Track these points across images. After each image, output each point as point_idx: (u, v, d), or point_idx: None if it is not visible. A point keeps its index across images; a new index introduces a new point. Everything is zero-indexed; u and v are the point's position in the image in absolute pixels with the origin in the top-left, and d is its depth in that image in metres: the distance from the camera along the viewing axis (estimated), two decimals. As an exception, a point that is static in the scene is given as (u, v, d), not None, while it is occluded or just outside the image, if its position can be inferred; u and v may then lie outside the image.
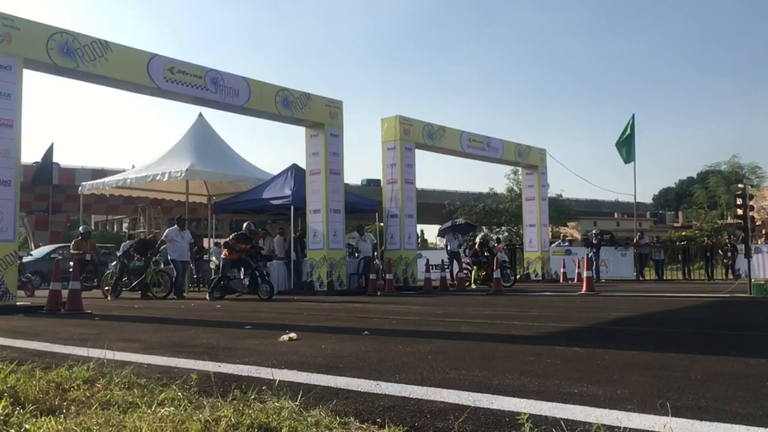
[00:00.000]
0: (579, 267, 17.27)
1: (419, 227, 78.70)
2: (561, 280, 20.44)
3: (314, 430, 2.62)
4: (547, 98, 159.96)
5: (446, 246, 19.36)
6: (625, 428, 2.43)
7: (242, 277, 13.55)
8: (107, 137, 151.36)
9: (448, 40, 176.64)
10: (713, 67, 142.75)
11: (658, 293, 13.15)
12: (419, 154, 18.97)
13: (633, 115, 23.57)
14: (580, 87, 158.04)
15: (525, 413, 2.60)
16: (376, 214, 18.36)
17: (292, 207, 16.09)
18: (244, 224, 13.43)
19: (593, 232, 23.43)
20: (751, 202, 11.89)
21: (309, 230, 15.72)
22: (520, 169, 25.97)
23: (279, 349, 5.25)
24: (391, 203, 17.14)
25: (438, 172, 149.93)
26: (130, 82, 12.56)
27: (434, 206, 48.44)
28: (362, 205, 18.63)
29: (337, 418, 2.87)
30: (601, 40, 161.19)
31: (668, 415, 2.62)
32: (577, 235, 37.60)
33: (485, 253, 16.97)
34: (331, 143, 15.62)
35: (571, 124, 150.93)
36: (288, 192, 16.18)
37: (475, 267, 17.13)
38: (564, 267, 20.82)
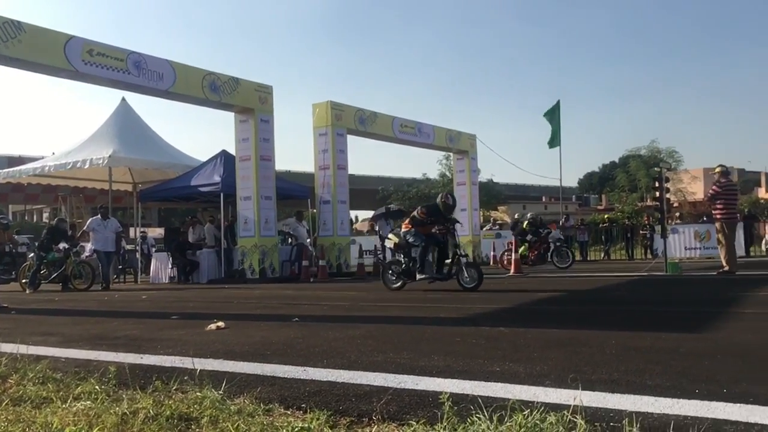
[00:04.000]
0: (510, 250, 17.68)
1: (353, 213, 78.76)
2: (491, 262, 20.90)
3: (236, 418, 2.59)
4: (477, 84, 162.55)
5: (379, 231, 19.46)
6: (538, 402, 2.52)
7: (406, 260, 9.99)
8: (24, 123, 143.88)
9: (378, 26, 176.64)
10: (635, 54, 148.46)
11: (582, 273, 13.64)
12: (352, 139, 18.95)
13: (558, 101, 24.27)
14: (508, 73, 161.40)
15: (446, 392, 2.65)
16: (309, 200, 18.24)
17: (221, 194, 15.78)
18: (439, 196, 10.21)
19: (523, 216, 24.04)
20: (667, 185, 12.46)
21: (239, 217, 15.47)
22: (451, 154, 26.30)
23: (205, 338, 5.16)
24: (323, 189, 17.06)
25: (372, 158, 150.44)
26: (46, 65, 11.96)
27: (368, 192, 48.60)
28: (294, 192, 18.46)
29: (261, 405, 2.85)
30: (528, 26, 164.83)
31: (579, 389, 2.72)
32: (507, 219, 38.48)
33: (538, 231, 16.04)
34: (261, 129, 15.37)
35: (500, 110, 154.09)
36: (217, 179, 15.84)
37: (524, 245, 15.99)
38: (494, 250, 21.28)
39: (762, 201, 45.53)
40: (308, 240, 17.19)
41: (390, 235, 10.61)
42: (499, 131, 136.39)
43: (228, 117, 15.78)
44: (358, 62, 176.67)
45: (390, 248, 10.53)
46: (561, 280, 11.75)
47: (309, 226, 17.99)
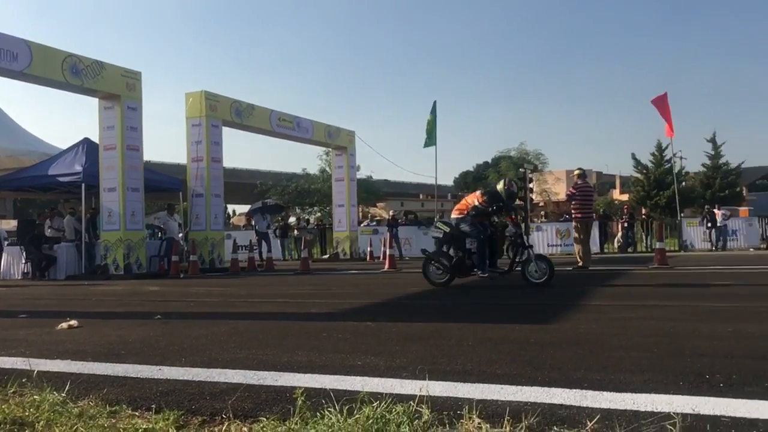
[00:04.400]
0: (385, 245, 17.99)
1: (230, 207, 76.69)
2: (368, 258, 21.15)
3: (75, 421, 2.44)
4: (356, 81, 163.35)
5: (255, 226, 19.14)
6: (388, 394, 2.58)
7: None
8: None
9: (257, 19, 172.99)
10: (508, 60, 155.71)
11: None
12: (228, 132, 18.47)
13: (435, 102, 24.92)
14: (387, 72, 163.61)
15: (301, 387, 2.64)
16: (181, 193, 17.55)
17: (83, 185, 14.79)
18: (500, 182, 9.18)
19: (400, 212, 24.53)
20: (531, 185, 13.18)
21: (103, 210, 14.59)
22: (331, 149, 26.33)
23: (55, 338, 4.83)
24: (196, 182, 16.48)
25: (251, 151, 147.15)
26: None
27: (245, 186, 47.59)
28: (165, 184, 17.69)
29: (107, 407, 2.71)
30: (407, 26, 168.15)
31: (426, 380, 2.82)
32: (386, 215, 39.21)
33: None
34: (128, 117, 14.58)
35: (379, 108, 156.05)
36: (78, 168, 14.84)
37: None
38: (371, 246, 21.56)
39: (616, 202, 49.44)
40: (180, 234, 16.55)
41: (439, 224, 9.41)
42: (378, 129, 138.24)
43: (93, 103, 14.85)
44: (239, 52, 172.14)
45: (437, 238, 9.15)
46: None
47: (181, 220, 17.33)
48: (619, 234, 23.47)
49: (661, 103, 22.40)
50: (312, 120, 21.00)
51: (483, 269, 8.65)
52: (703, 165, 44.93)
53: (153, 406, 2.76)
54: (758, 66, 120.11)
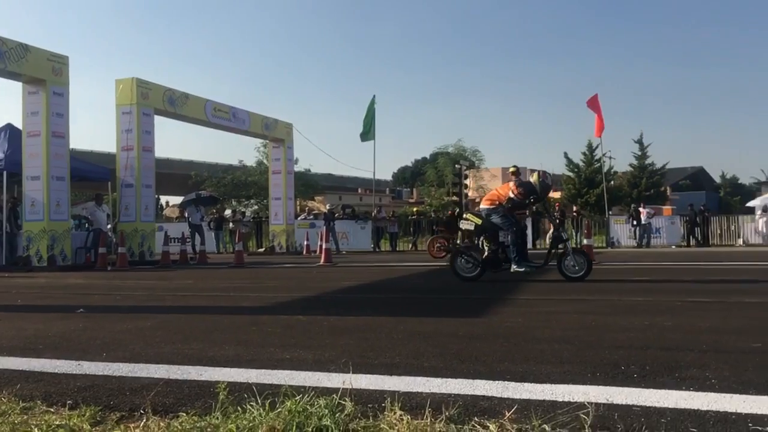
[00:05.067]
0: (321, 239, 17.92)
1: (163, 198, 74.67)
2: (304, 252, 21.03)
3: (-19, 419, 2.33)
4: (295, 74, 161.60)
5: (188, 218, 18.72)
6: (311, 387, 2.57)
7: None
8: None
9: (190, 7, 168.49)
10: (447, 58, 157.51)
11: (389, 263, 14.24)
12: (163, 121, 17.98)
13: (374, 96, 25.00)
14: (325, 66, 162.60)
15: (224, 382, 2.60)
16: (110, 183, 16.96)
17: (4, 172, 14.10)
18: (534, 175, 8.77)
19: (338, 207, 24.44)
20: (467, 181, 13.39)
21: (25, 199, 13.95)
22: (268, 142, 26.00)
23: (-34, 332, 4.59)
24: (126, 172, 15.97)
25: (186, 142, 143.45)
26: None
27: (179, 177, 46.45)
28: (93, 173, 17.08)
29: (20, 402, 2.60)
30: (347, 21, 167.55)
31: (350, 373, 2.83)
32: (324, 209, 39.06)
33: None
34: (54, 103, 13.97)
35: (318, 101, 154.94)
36: (0, 155, 14.14)
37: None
38: (308, 239, 21.44)
39: (549, 199, 50.86)
40: (108, 226, 16.00)
41: (469, 216, 8.95)
42: (318, 123, 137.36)
43: (17, 87, 14.15)
44: (172, 40, 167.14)
45: (468, 230, 8.83)
46: (368, 270, 12.15)
47: (110, 211, 16.75)
48: (551, 231, 24.11)
49: (594, 105, 23.17)
50: (249, 111, 20.68)
51: (519, 263, 8.37)
52: (631, 165, 46.62)
53: (69, 402, 2.66)
54: (683, 71, 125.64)
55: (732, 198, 54.02)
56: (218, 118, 19.21)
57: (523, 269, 8.35)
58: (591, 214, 32.55)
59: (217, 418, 2.28)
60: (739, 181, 62.57)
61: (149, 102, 16.43)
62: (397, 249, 23.87)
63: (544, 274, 9.74)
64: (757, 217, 24.16)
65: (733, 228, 24.61)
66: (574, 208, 29.75)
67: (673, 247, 22.27)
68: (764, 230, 22.85)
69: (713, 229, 24.53)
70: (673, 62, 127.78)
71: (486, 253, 8.50)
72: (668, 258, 13.53)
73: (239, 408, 2.33)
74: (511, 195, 8.39)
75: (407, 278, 10.00)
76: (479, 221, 8.58)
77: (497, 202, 8.51)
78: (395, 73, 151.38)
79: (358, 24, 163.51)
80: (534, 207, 8.81)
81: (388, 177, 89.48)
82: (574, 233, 23.89)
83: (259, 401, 2.35)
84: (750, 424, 2.19)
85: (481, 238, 8.65)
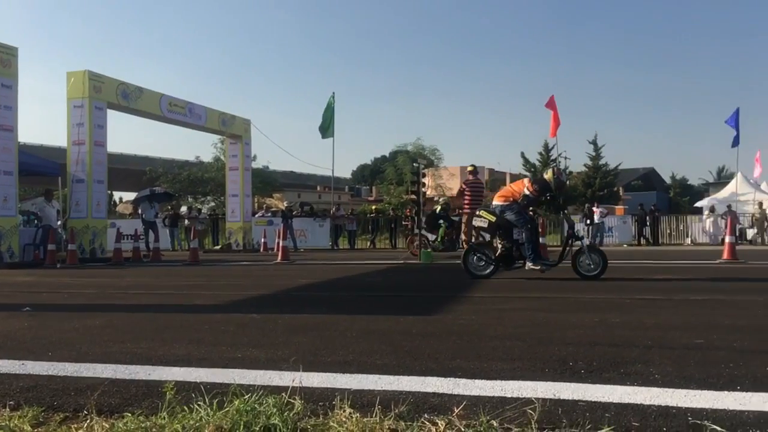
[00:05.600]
0: (278, 237, 17.79)
1: (116, 194, 73.02)
2: (262, 249, 20.84)
3: None
4: (253, 70, 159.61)
5: (141, 215, 18.34)
6: (261, 386, 2.56)
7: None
8: None
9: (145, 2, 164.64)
10: (405, 54, 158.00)
11: (347, 261, 14.21)
12: (116, 115, 17.57)
13: (333, 94, 24.90)
14: (287, 62, 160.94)
15: (172, 381, 2.57)
16: (60, 178, 16.49)
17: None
18: (548, 171, 8.62)
19: (297, 204, 24.30)
20: (425, 180, 13.43)
21: (-30, 194, 13.45)
22: (225, 138, 25.64)
23: None
24: (77, 167, 15.54)
25: (141, 137, 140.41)
26: None
27: (133, 173, 45.52)
28: (42, 168, 16.56)
29: (-44, 406, 2.51)
30: (306, 17, 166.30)
31: (300, 371, 2.82)
32: (282, 206, 38.76)
33: (450, 218, 15.77)
34: (2, 95, 13.49)
35: (277, 98, 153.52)
36: (-58, 148, 13.60)
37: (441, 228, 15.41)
38: (265, 237, 21.25)
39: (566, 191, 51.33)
40: (58, 222, 15.56)
41: (482, 213, 8.68)
42: (276, 119, 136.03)
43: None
44: (126, 33, 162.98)
45: (481, 227, 8.56)
46: (325, 268, 12.11)
47: (60, 207, 16.30)
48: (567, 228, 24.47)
49: (551, 105, 23.59)
50: (206, 107, 20.36)
51: (534, 261, 8.21)
52: (585, 165, 47.64)
53: (11, 402, 2.59)
54: (636, 73, 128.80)
55: (681, 198, 55.64)
56: (174, 114, 18.86)
57: (538, 267, 8.21)
58: (546, 213, 33.12)
59: (164, 418, 2.24)
60: (689, 182, 64.56)
61: (102, 96, 16.03)
62: (356, 247, 23.87)
63: (496, 272, 9.86)
64: (704, 217, 24.96)
65: (681, 228, 25.38)
66: (530, 207, 30.24)
67: (625, 246, 22.83)
68: (711, 230, 23.61)
69: (663, 228, 25.24)
70: (627, 65, 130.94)
71: (499, 251, 8.38)
72: (619, 256, 13.84)
73: (186, 408, 2.30)
74: (527, 192, 8.27)
75: (364, 276, 10.00)
76: (493, 218, 8.41)
77: (511, 199, 8.37)
78: (355, 70, 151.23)
79: (317, 20, 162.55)
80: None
81: (348, 175, 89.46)
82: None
83: (207, 400, 2.32)
84: (689, 418, 2.26)
85: (479, 239, 8.57)
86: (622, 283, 7.59)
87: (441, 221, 15.54)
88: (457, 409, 2.26)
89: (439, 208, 15.78)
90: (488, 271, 8.45)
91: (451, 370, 3.07)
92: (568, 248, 8.43)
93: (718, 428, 2.11)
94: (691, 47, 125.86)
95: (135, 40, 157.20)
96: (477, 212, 8.81)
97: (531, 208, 8.62)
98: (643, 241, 24.01)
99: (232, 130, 21.83)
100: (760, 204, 24.56)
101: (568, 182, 8.42)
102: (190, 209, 26.62)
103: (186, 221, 23.17)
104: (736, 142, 26.74)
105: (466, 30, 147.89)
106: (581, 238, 8.42)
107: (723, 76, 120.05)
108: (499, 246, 8.38)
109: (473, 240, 13.17)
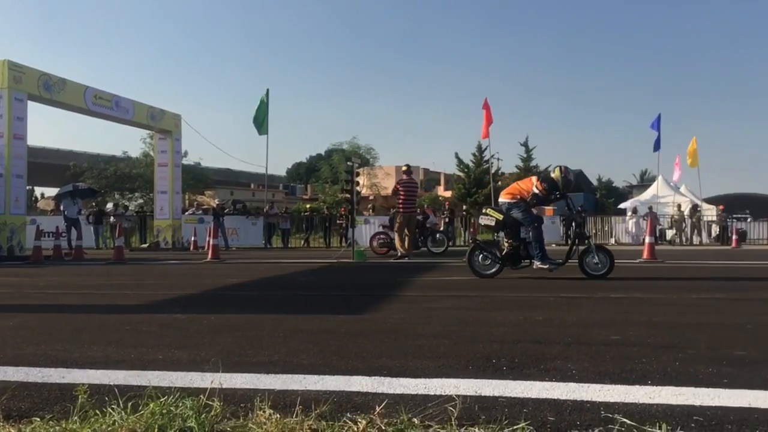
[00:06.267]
0: (209, 235, 17.41)
1: (37, 190, 69.83)
2: (192, 248, 20.36)
3: None
4: (184, 64, 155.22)
5: (63, 211, 17.59)
6: (178, 388, 2.49)
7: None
8: None
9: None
10: (342, 52, 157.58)
11: (279, 260, 14.06)
12: (37, 107, 16.78)
13: (267, 90, 24.55)
14: (220, 57, 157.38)
15: (86, 384, 2.47)
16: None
17: None
18: (556, 170, 8.42)
19: (229, 202, 23.86)
20: (360, 179, 13.46)
21: None
22: (154, 133, 24.91)
23: None
24: (-7, 160, 14.76)
25: (65, 130, 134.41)
26: None
27: (56, 167, 43.66)
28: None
29: None
30: (241, 12, 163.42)
31: (221, 372, 2.78)
32: (214, 204, 38.04)
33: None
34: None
35: (209, 94, 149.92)
36: None
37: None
38: (195, 235, 20.76)
39: (440, 198, 52.18)
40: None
41: (489, 211, 8.48)
42: (209, 115, 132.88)
43: None
44: (46, 22, 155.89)
45: (487, 226, 8.44)
46: (257, 267, 11.94)
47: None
48: (440, 230, 24.80)
49: (485, 107, 24.03)
50: (133, 100, 19.71)
51: (543, 260, 8.12)
52: (517, 166, 48.81)
53: None
54: (567, 76, 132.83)
55: (607, 200, 57.69)
56: (99, 107, 18.17)
57: (547, 266, 8.12)
58: (479, 213, 33.76)
59: (75, 423, 2.15)
60: (614, 185, 66.96)
61: (22, 86, 15.27)
62: (290, 246, 23.64)
63: (429, 271, 9.99)
64: (627, 218, 26.02)
65: (606, 228, 26.36)
66: (464, 207, 30.78)
67: (554, 245, 23.50)
68: (633, 230, 24.61)
69: (589, 228, 26.14)
70: (558, 68, 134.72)
71: (506, 250, 8.27)
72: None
73: (99, 411, 2.22)
74: (536, 190, 8.19)
75: (296, 275, 9.92)
76: (500, 216, 8.28)
77: (518, 197, 8.28)
78: (290, 68, 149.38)
79: (251, 16, 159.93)
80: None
81: (283, 173, 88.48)
82: (462, 231, 24.69)
83: (122, 404, 2.25)
84: (602, 412, 2.34)
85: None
86: (546, 282, 7.81)
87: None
88: (378, 407, 2.27)
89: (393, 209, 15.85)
90: (494, 270, 8.35)
91: (377, 368, 3.08)
92: (575, 247, 8.39)
93: (628, 421, 2.20)
94: (618, 52, 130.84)
95: (55, 31, 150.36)
96: (484, 210, 8.71)
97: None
98: (569, 240, 24.79)
99: (162, 125, 21.23)
100: (679, 206, 25.82)
101: (573, 181, 8.44)
102: (117, 206, 25.67)
103: (112, 218, 22.36)
104: (657, 147, 28.00)
105: (402, 31, 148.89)
106: (588, 237, 8.42)
107: (646, 81, 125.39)
108: (506, 245, 8.29)
109: (406, 243, 13.34)
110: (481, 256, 8.42)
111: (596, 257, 8.11)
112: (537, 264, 8.14)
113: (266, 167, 23.67)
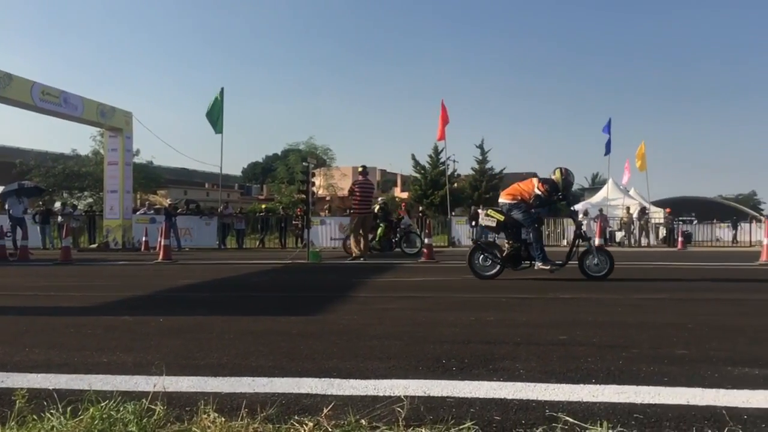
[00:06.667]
0: (160, 236, 17.07)
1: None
2: (143, 248, 19.90)
3: None
4: (136, 61, 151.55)
5: (8, 210, 16.99)
6: (123, 392, 2.44)
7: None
8: None
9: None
10: (299, 52, 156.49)
11: (233, 260, 13.87)
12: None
13: (222, 89, 24.25)
14: (173, 54, 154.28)
15: (25, 388, 2.39)
16: None
17: None
18: (557, 172, 8.45)
19: (182, 201, 23.43)
20: (315, 179, 13.35)
21: None
22: (105, 130, 24.28)
23: None
24: (-68, 157, 14.16)
25: (11, 127, 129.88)
26: None
27: (2, 165, 42.16)
28: None
29: None
30: (196, 10, 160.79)
31: (163, 375, 2.73)
32: (166, 204, 37.32)
33: (388, 218, 15.69)
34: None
35: (163, 92, 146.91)
36: None
37: (380, 228, 15.38)
38: (147, 236, 20.31)
39: (397, 199, 52.39)
40: None
41: (491, 212, 8.47)
42: (162, 113, 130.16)
43: None
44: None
45: (489, 226, 8.41)
46: (209, 267, 11.76)
47: None
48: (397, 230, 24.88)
49: (442, 109, 24.21)
50: (82, 96, 19.18)
51: (544, 260, 8.16)
52: (473, 169, 49.37)
53: None
54: (522, 81, 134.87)
55: (560, 202, 58.96)
56: (47, 103, 17.61)
57: (548, 267, 8.16)
58: (435, 215, 33.96)
59: (12, 428, 2.08)
60: (567, 187, 68.37)
61: (-37, 80, 14.71)
62: (244, 246, 23.35)
63: (384, 272, 10.01)
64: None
65: (559, 230, 26.84)
66: (420, 209, 30.95)
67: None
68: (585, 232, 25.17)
69: (543, 230, 26.62)
70: (515, 71, 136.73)
71: (507, 251, 8.30)
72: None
73: (38, 416, 2.15)
74: (538, 192, 8.21)
75: (250, 276, 9.80)
76: (502, 217, 8.31)
77: (519, 197, 8.32)
78: (246, 67, 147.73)
79: (206, 14, 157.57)
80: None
81: (238, 172, 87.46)
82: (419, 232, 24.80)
83: (61, 408, 2.18)
84: (547, 410, 2.39)
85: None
86: (500, 282, 7.91)
87: (379, 221, 15.71)
88: (326, 409, 2.26)
89: (377, 208, 15.96)
90: (494, 271, 8.36)
91: (327, 370, 3.07)
92: (575, 248, 8.43)
93: (571, 420, 2.24)
94: (572, 57, 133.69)
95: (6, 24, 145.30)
96: (486, 211, 8.71)
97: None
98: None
99: (112, 122, 20.69)
100: (628, 208, 26.49)
101: (573, 182, 8.57)
102: (65, 205, 24.92)
103: (59, 218, 21.69)
104: (608, 151, 28.69)
105: (359, 32, 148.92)
106: (589, 239, 8.47)
107: (598, 86, 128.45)
108: (506, 246, 8.34)
109: (362, 244, 13.33)
110: (481, 257, 8.44)
111: (596, 258, 8.20)
112: (538, 265, 8.20)
113: (221, 167, 23.43)
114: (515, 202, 8.31)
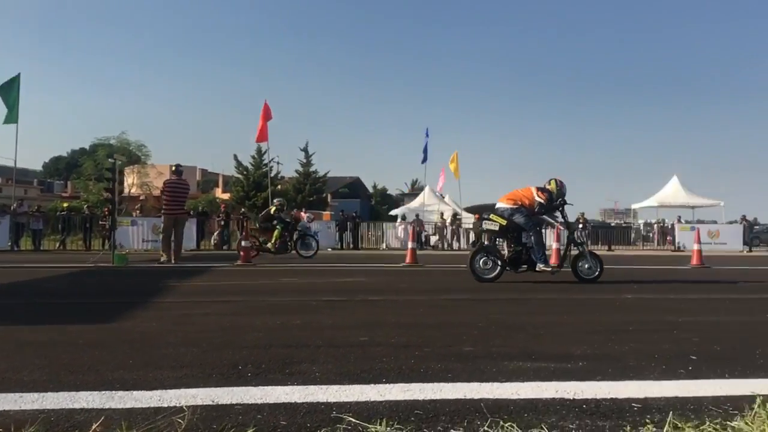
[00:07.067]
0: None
1: None
2: None
3: None
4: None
5: None
6: None
7: None
8: None
9: None
10: (111, 44, 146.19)
11: (26, 264, 12.55)
12: None
13: (18, 74, 21.90)
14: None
15: None
16: None
17: None
18: (552, 181, 8.85)
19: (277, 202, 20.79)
20: (128, 177, 12.50)
21: None
22: None
23: None
24: None
25: None
26: None
27: None
28: None
29: None
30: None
31: None
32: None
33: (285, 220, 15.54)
34: None
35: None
36: None
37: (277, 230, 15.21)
38: None
39: (218, 199, 50.77)
40: None
41: (493, 216, 8.59)
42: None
43: None
44: None
45: (491, 230, 8.60)
46: (-5, 271, 10.52)
47: None
48: (216, 232, 24.15)
49: (264, 111, 23.89)
50: None
51: (545, 263, 8.46)
52: (297, 171, 49.39)
53: None
54: (348, 83, 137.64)
55: (382, 207, 60.81)
56: None
57: (550, 269, 8.48)
58: (257, 217, 33.45)
59: None
60: (388, 192, 70.79)
61: None
62: (42, 248, 21.25)
63: (196, 275, 9.66)
64: (397, 224, 27.67)
65: (379, 233, 27.74)
66: (242, 210, 30.27)
67: (329, 249, 24.13)
68: (402, 236, 26.23)
69: (363, 233, 27.35)
70: (340, 77, 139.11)
71: (508, 253, 8.60)
72: (322, 260, 14.55)
73: None
74: (540, 200, 8.59)
75: (44, 281, 8.91)
76: (504, 222, 8.56)
77: (519, 203, 8.61)
78: (44, 53, 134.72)
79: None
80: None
81: (39, 167, 79.59)
82: (239, 235, 24.23)
83: None
84: (334, 412, 2.42)
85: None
86: (312, 284, 7.96)
87: (275, 222, 15.36)
88: (95, 424, 2.10)
89: (274, 208, 15.68)
90: (494, 274, 8.54)
91: (110, 382, 2.86)
92: (568, 253, 8.88)
93: (354, 420, 2.30)
94: (393, 65, 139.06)
95: None
96: (487, 216, 8.79)
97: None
98: (344, 245, 25.70)
99: None
100: (442, 214, 28.13)
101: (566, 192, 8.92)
102: None
103: None
104: (425, 158, 30.20)
105: (178, 29, 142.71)
106: (580, 244, 8.85)
107: (417, 93, 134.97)
108: (506, 249, 8.68)
109: (171, 248, 12.70)
110: (482, 260, 8.61)
111: (588, 263, 8.63)
112: (540, 267, 8.52)
113: (15, 160, 21.10)
114: (516, 207, 8.67)
